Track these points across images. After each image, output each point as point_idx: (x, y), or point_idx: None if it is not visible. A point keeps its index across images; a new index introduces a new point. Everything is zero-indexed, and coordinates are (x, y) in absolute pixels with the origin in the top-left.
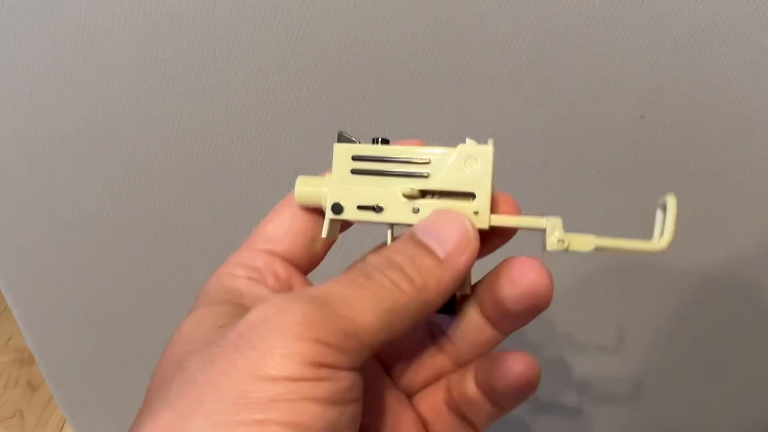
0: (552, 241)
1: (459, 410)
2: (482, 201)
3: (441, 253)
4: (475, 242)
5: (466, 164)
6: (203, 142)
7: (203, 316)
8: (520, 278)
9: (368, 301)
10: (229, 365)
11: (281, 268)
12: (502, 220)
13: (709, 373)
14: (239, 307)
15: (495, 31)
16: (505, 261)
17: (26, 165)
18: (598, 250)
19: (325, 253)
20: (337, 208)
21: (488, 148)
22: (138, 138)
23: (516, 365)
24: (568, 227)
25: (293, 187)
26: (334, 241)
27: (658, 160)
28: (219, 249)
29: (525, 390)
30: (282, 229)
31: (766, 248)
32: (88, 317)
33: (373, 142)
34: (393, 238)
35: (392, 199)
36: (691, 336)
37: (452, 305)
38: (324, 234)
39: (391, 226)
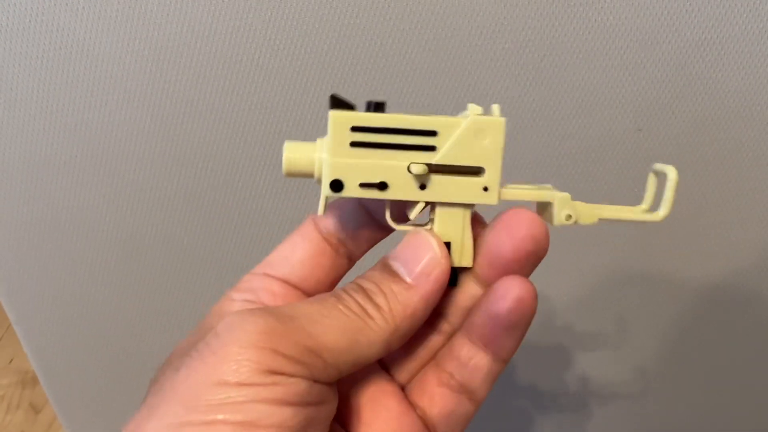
0: (561, 217)
1: (455, 382)
2: (492, 176)
3: (408, 277)
4: (444, 263)
5: (477, 137)
6: (207, 162)
7: (190, 339)
8: (518, 225)
9: (333, 320)
10: (189, 371)
11: (278, 288)
12: (512, 194)
13: (711, 378)
14: None
15: (493, 47)
16: (497, 216)
17: (30, 185)
18: (602, 221)
19: (339, 273)
20: (336, 186)
21: (500, 121)
22: (143, 159)
23: (513, 283)
24: (565, 240)
25: (303, 219)
26: (349, 264)
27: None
28: (223, 269)
29: (524, 308)
30: (282, 254)
31: (765, 258)
32: (93, 338)
33: (367, 107)
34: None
35: (397, 174)
36: (692, 343)
37: (454, 278)
38: (320, 211)
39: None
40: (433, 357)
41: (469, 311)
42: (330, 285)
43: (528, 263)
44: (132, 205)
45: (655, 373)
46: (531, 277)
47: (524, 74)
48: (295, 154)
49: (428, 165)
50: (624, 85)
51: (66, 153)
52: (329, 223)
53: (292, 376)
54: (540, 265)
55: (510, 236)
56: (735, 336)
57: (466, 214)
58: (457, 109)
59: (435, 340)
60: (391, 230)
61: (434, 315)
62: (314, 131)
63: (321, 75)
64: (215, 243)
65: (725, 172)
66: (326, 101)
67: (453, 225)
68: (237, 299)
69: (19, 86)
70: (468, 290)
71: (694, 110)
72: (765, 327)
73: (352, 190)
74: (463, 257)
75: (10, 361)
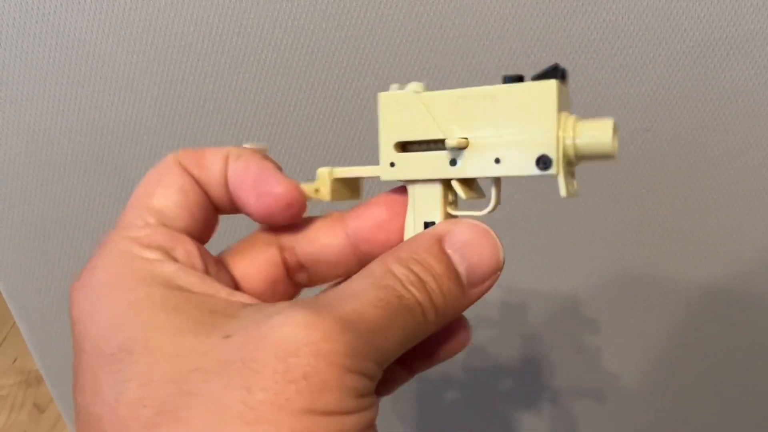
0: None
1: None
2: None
3: (465, 281)
4: (499, 274)
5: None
6: None
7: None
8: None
9: (399, 330)
10: (277, 398)
11: (191, 246)
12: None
13: (716, 379)
14: (201, 301)
15: (501, 47)
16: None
17: (35, 185)
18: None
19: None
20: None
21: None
22: (149, 159)
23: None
24: (573, 238)
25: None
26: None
27: (664, 173)
28: None
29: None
30: (171, 202)
31: None
32: None
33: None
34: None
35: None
36: (697, 343)
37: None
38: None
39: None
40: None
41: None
42: (213, 228)
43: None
44: None
45: (659, 373)
46: (536, 277)
47: (532, 74)
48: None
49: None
50: (632, 85)
51: (72, 153)
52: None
53: (366, 394)
54: (546, 263)
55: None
56: (741, 337)
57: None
58: None
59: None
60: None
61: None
62: (321, 131)
63: (329, 75)
64: (221, 243)
65: (733, 173)
66: (332, 97)
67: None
68: (153, 258)
69: (25, 86)
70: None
71: (702, 110)
72: None
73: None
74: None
75: (14, 361)
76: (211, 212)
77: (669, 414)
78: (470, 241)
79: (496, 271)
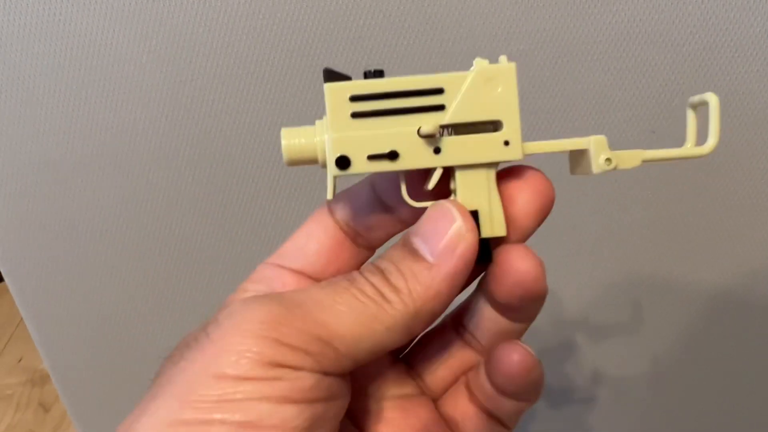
0: (600, 162)
1: (483, 407)
2: (512, 128)
3: (429, 255)
4: (469, 236)
5: (487, 87)
6: (222, 163)
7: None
8: (507, 269)
9: (345, 306)
10: (187, 363)
11: (292, 279)
12: (537, 147)
13: (723, 379)
14: None
15: (507, 49)
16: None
17: (45, 185)
18: (646, 162)
19: (359, 263)
20: (343, 162)
21: (510, 66)
22: (158, 159)
23: (513, 355)
24: (578, 241)
25: (318, 206)
26: (368, 253)
27: (669, 176)
28: (237, 269)
29: (525, 380)
30: (296, 247)
31: None
32: (105, 335)
33: (364, 76)
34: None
35: (407, 141)
36: (704, 344)
37: (487, 253)
38: (329, 195)
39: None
40: (467, 372)
41: (499, 339)
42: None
43: (529, 306)
44: (146, 204)
45: (667, 372)
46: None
47: (538, 76)
48: (293, 139)
49: (440, 127)
50: (638, 87)
51: (81, 153)
52: (344, 213)
53: (297, 369)
54: (553, 265)
55: (499, 282)
56: (746, 340)
57: (491, 176)
58: None
59: (467, 353)
60: (408, 224)
61: (462, 327)
62: None
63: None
64: (229, 243)
65: (738, 175)
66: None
67: (477, 190)
68: (250, 290)
69: (34, 86)
70: (483, 311)
71: (708, 113)
72: None
73: (360, 165)
74: (494, 226)
75: (20, 360)
76: (344, 249)
77: (674, 417)
78: (423, 220)
79: (457, 231)
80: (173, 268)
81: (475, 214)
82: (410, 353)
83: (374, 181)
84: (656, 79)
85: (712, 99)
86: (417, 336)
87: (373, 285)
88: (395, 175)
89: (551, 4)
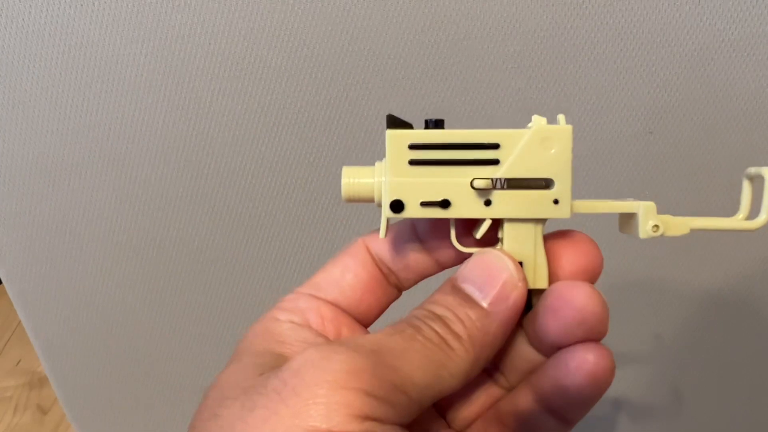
0: (647, 229)
1: None
2: (563, 187)
3: (484, 302)
4: (521, 285)
5: (542, 146)
6: (218, 164)
7: (242, 367)
8: (565, 307)
9: (418, 354)
10: (269, 413)
11: (327, 311)
12: (586, 206)
13: (722, 387)
14: (281, 357)
15: (503, 50)
16: (549, 290)
17: (42, 187)
18: (693, 230)
19: (388, 302)
20: (397, 206)
21: (568, 128)
22: (155, 161)
23: (588, 355)
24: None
25: (358, 236)
26: (402, 288)
27: (667, 176)
28: (235, 271)
29: (600, 384)
30: (332, 278)
31: None
32: (103, 338)
33: (426, 126)
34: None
35: (459, 191)
36: (701, 351)
37: (529, 300)
38: (382, 234)
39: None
40: (492, 408)
41: (533, 372)
42: (379, 313)
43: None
44: (143, 206)
45: (664, 378)
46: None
47: (536, 77)
48: (353, 179)
49: (492, 180)
50: (635, 87)
51: (78, 154)
52: (383, 250)
53: (384, 422)
54: None
55: (556, 320)
56: (745, 341)
57: (538, 231)
58: (465, 116)
59: (493, 390)
60: (445, 266)
61: (492, 365)
62: (327, 133)
63: (334, 77)
64: (226, 244)
65: (737, 176)
66: (339, 103)
67: (524, 243)
68: (283, 319)
69: (31, 87)
70: (521, 353)
71: (705, 113)
72: None
73: (413, 210)
74: (537, 278)
75: (18, 363)
76: (379, 286)
77: (675, 420)
78: (474, 266)
79: (510, 281)
80: (171, 271)
81: (520, 265)
82: None
83: (416, 221)
84: (653, 80)
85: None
86: (454, 396)
87: (437, 332)
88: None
89: (547, 4)
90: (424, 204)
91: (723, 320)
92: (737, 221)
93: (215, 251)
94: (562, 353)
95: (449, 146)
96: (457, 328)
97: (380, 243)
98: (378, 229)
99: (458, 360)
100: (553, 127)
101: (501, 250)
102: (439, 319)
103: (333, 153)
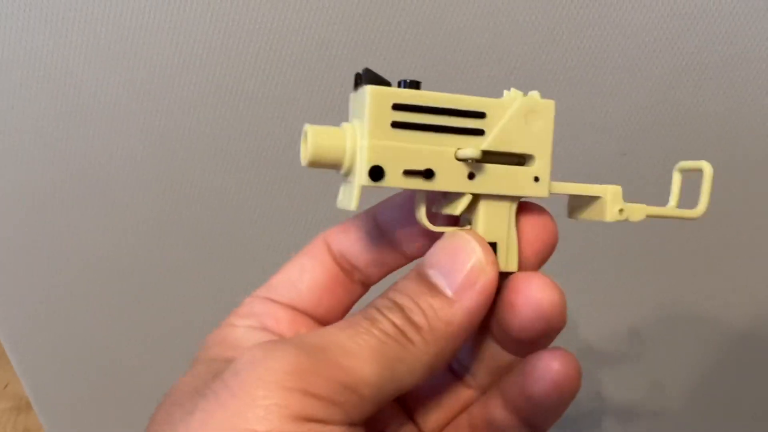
0: (614, 212)
1: None
2: (543, 165)
3: (449, 290)
4: (490, 271)
5: (527, 120)
6: (198, 188)
7: (195, 374)
8: (523, 303)
9: (370, 349)
10: (207, 416)
11: (283, 314)
12: (561, 187)
13: (729, 401)
14: (231, 362)
15: (478, 75)
16: (506, 282)
17: (24, 213)
18: (648, 217)
19: (352, 300)
20: (376, 173)
21: (551, 102)
22: (135, 187)
23: (553, 363)
24: (581, 261)
25: (308, 239)
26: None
27: (640, 198)
28: (216, 293)
29: (565, 392)
30: (288, 280)
31: (753, 286)
32: (86, 364)
33: (398, 86)
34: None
35: (444, 161)
36: (711, 365)
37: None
38: (353, 206)
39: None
40: (463, 411)
41: (500, 375)
42: (343, 313)
43: (543, 339)
44: (124, 231)
45: (672, 393)
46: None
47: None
48: (324, 139)
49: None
50: (609, 110)
51: (59, 182)
52: (343, 246)
53: (326, 422)
54: (559, 283)
55: (514, 315)
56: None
57: (512, 210)
58: None
59: (465, 392)
60: (413, 257)
61: (462, 368)
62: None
63: (317, 99)
64: (206, 268)
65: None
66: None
67: (499, 222)
68: (239, 325)
69: (10, 116)
70: (488, 351)
71: (677, 135)
72: None
73: (394, 179)
74: (509, 260)
75: (6, 386)
76: (339, 285)
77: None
78: (439, 250)
79: (478, 266)
80: (154, 294)
81: (494, 247)
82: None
83: (377, 212)
84: (627, 102)
85: (706, 168)
86: (424, 397)
87: (393, 324)
88: (402, 204)
89: (521, 30)
90: (407, 173)
91: (733, 336)
92: (684, 211)
93: (196, 275)
94: (529, 359)
95: (436, 110)
96: (418, 318)
97: (341, 239)
98: (339, 224)
99: (418, 353)
100: (541, 100)
101: (471, 231)
102: (399, 309)
103: (316, 176)
